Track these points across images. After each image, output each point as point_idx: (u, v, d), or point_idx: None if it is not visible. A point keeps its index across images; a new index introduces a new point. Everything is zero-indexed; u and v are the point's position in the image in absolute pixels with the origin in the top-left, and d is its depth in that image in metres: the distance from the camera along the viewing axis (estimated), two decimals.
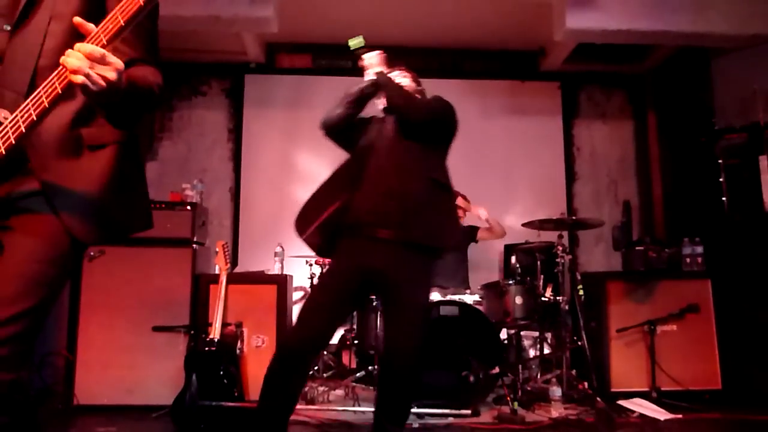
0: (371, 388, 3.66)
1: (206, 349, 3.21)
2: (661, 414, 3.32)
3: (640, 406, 3.44)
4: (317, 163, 5.19)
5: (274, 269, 3.96)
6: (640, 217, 5.28)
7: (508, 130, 5.30)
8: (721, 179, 4.07)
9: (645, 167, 5.36)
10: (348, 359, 4.24)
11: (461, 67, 5.41)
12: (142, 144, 1.57)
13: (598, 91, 5.52)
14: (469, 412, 3.20)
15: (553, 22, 4.35)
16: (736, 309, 3.79)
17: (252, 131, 5.23)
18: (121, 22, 1.15)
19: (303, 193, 5.02)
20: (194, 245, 3.69)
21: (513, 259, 3.87)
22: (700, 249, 3.96)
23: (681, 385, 3.65)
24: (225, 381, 3.13)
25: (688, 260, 3.95)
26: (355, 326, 4.21)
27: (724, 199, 4.05)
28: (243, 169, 5.19)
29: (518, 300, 3.60)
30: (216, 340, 3.23)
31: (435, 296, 3.76)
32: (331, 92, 5.43)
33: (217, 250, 3.54)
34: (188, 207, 3.74)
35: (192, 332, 3.50)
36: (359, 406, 3.33)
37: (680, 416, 3.30)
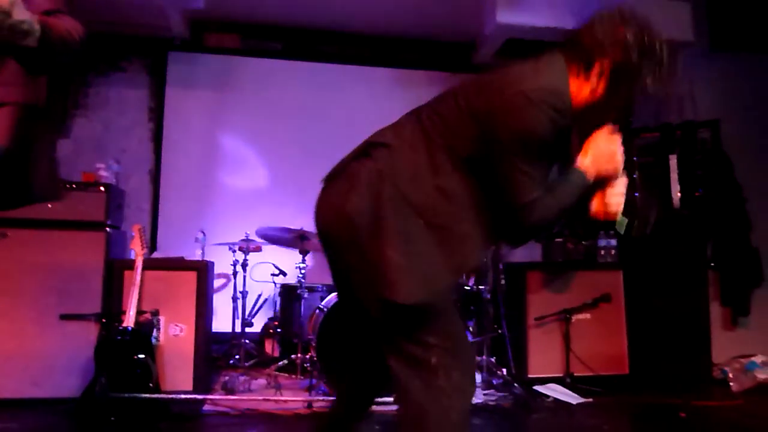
0: (294, 376, 3.61)
1: (119, 338, 3.05)
2: (573, 398, 3.48)
3: (555, 391, 3.58)
4: (244, 148, 5.05)
5: (195, 255, 3.81)
6: None
7: None
8: (635, 176, 4.28)
9: None
10: (271, 348, 4.17)
11: (394, 56, 5.39)
12: (53, 117, 1.48)
13: None
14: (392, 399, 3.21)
15: (484, 16, 4.42)
16: (644, 299, 4.01)
17: (175, 112, 5.00)
18: None
19: (228, 178, 4.97)
20: (108, 229, 3.49)
21: None
22: (614, 242, 4.15)
23: (593, 370, 3.83)
24: (138, 371, 2.99)
25: (602, 252, 4.14)
26: (278, 314, 4.14)
27: (637, 194, 4.26)
28: (164, 151, 4.95)
29: None
30: (130, 328, 3.08)
31: None
32: (259, 75, 5.33)
33: (134, 234, 3.37)
34: (102, 188, 3.53)
35: (104, 320, 3.31)
36: (281, 395, 3.28)
37: (591, 400, 3.47)
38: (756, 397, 3.60)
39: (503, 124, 1.47)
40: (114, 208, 3.60)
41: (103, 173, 3.72)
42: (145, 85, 5.04)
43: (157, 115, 5.01)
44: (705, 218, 4.08)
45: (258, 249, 4.06)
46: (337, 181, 1.67)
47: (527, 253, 5.26)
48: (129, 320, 3.10)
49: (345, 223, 1.53)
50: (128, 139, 4.95)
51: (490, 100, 1.52)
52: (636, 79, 1.54)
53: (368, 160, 1.59)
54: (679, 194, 4.05)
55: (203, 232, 3.91)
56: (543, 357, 3.86)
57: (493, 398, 3.42)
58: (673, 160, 4.12)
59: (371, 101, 5.16)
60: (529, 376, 3.82)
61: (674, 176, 4.10)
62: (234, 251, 4.11)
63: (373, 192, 1.50)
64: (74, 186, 3.48)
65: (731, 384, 3.77)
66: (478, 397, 3.41)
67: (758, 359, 3.83)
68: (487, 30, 4.41)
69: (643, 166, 4.27)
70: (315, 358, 3.39)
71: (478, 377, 3.54)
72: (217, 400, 3.23)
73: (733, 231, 4.19)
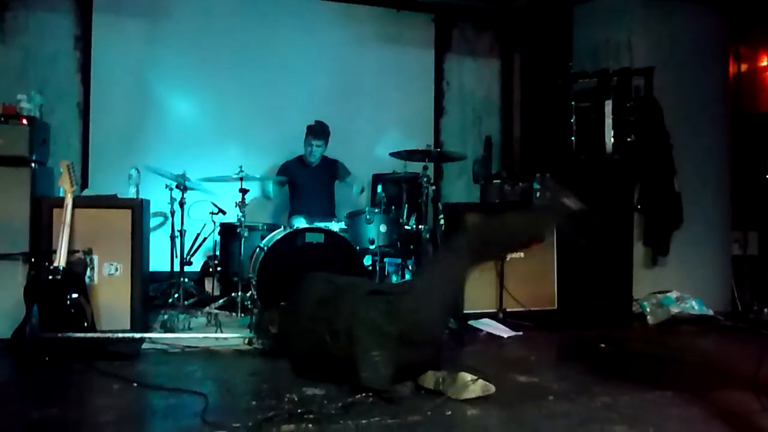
0: (234, 314, 3.63)
1: (50, 277, 2.95)
2: (505, 332, 3.67)
3: (488, 326, 3.76)
4: (179, 80, 4.82)
5: (129, 193, 3.69)
6: (500, 153, 5.60)
7: (381, 59, 5.27)
8: (572, 120, 4.39)
9: (508, 105, 5.64)
10: (211, 286, 4.16)
11: None
12: None
13: (470, 28, 5.63)
14: None
15: None
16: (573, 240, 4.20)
17: (103, 41, 4.69)
18: None
19: (161, 114, 4.77)
20: (33, 164, 3.31)
21: (379, 188, 3.94)
22: None
23: (524, 306, 4.03)
24: (72, 311, 2.92)
25: (537, 194, 4.27)
26: (218, 253, 4.11)
27: (573, 139, 4.39)
28: (93, 83, 4.68)
29: (382, 228, 3.71)
30: (61, 268, 2.98)
31: (301, 223, 3.75)
32: (194, 1, 5.04)
33: (62, 170, 3.20)
34: (24, 121, 3.31)
35: (32, 260, 3.19)
36: (221, 332, 3.29)
37: (521, 333, 3.67)
38: (669, 329, 3.91)
39: None
40: (38, 142, 3.40)
41: (24, 105, 3.47)
42: (69, 11, 4.68)
43: (84, 44, 4.69)
44: (634, 163, 4.26)
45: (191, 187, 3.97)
46: None
47: (467, 194, 5.39)
48: (60, 259, 3.00)
49: None
50: (52, 70, 4.64)
51: None
52: None
53: None
54: (612, 139, 4.20)
55: (137, 169, 3.77)
56: (477, 293, 4.01)
57: None
58: (608, 106, 4.25)
59: (310, 36, 5.02)
60: (464, 311, 3.98)
61: (608, 122, 4.24)
62: (171, 189, 4.00)
63: None
64: None
65: (648, 317, 4.07)
66: None
67: (673, 295, 4.12)
68: None
69: (579, 111, 4.38)
70: (255, 297, 3.41)
71: None
72: (155, 338, 3.21)
73: (659, 176, 4.40)
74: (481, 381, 2.31)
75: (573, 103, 4.40)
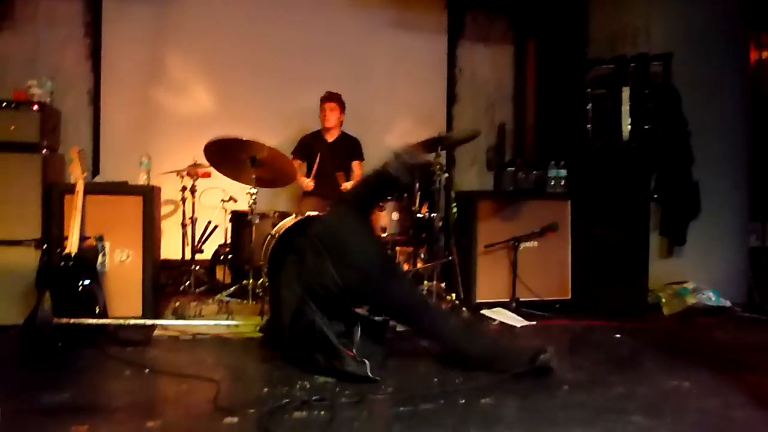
0: (245, 302, 3.61)
1: (61, 264, 2.95)
2: (518, 321, 3.63)
3: (500, 315, 3.73)
4: (190, 65, 4.79)
5: (140, 180, 3.67)
6: (513, 141, 5.53)
7: (393, 46, 5.21)
8: (588, 107, 4.31)
9: (521, 92, 5.56)
10: (222, 274, 4.14)
11: None
12: None
13: (483, 14, 5.54)
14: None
15: None
16: (588, 229, 4.14)
17: (114, 27, 4.66)
18: None
19: (172, 99, 4.74)
20: (44, 150, 3.30)
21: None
22: (563, 172, 4.23)
23: (537, 295, 3.98)
24: (84, 297, 2.92)
25: (552, 182, 4.22)
26: (229, 241, 4.10)
27: (589, 126, 4.31)
28: (104, 69, 4.65)
29: (394, 216, 3.67)
30: (73, 254, 2.98)
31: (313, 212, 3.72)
32: None
33: (72, 157, 3.19)
34: (35, 107, 3.30)
35: (44, 246, 3.19)
36: (233, 320, 3.28)
37: (534, 323, 3.63)
38: (685, 320, 3.85)
39: None
40: (49, 128, 3.40)
41: (35, 91, 3.46)
42: None
43: (93, 30, 4.67)
44: (651, 151, 4.18)
45: (207, 175, 3.95)
46: None
47: (479, 182, 5.34)
48: (72, 246, 2.99)
49: None
50: (62, 57, 4.61)
51: None
52: None
53: None
54: (629, 127, 4.12)
55: (148, 156, 3.76)
56: (491, 282, 3.98)
57: None
58: (625, 93, 4.16)
59: (322, 21, 4.98)
60: (477, 300, 3.95)
61: (625, 109, 4.15)
62: (182, 176, 3.98)
63: None
64: (4, 104, 3.24)
65: (664, 308, 4.01)
66: None
67: (690, 285, 4.05)
68: None
69: (595, 98, 4.30)
70: (267, 284, 3.39)
71: None
72: (167, 325, 3.21)
73: (677, 164, 4.32)
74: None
75: (589, 89, 4.32)
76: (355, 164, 4.48)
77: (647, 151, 4.15)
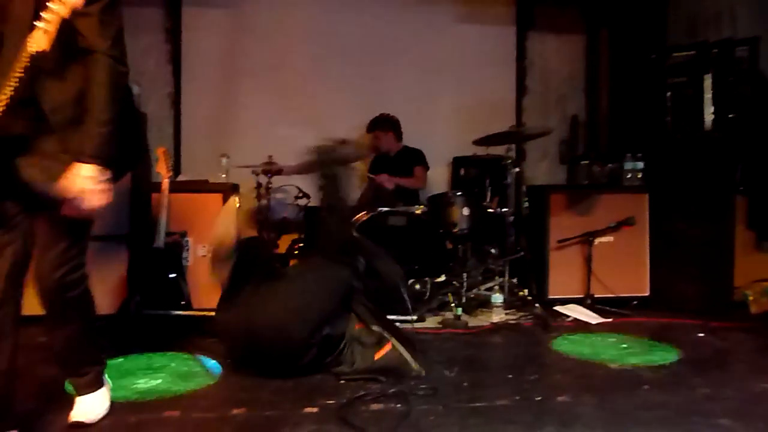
0: None
1: (151, 258, 3.14)
2: (593, 318, 3.55)
3: (574, 311, 3.65)
4: (264, 67, 4.94)
5: (219, 178, 3.84)
6: (586, 133, 5.37)
7: (461, 39, 5.17)
8: (667, 96, 4.13)
9: (594, 83, 5.38)
10: None
11: None
12: None
13: (553, 4, 5.40)
14: (414, 317, 3.31)
15: None
16: (668, 223, 3.98)
17: (192, 32, 4.88)
18: None
19: (249, 100, 4.91)
20: None
21: (461, 171, 3.89)
22: (640, 165, 4.08)
23: (613, 292, 3.87)
24: (171, 290, 3.09)
25: (628, 175, 4.08)
26: (303, 236, 4.19)
27: (668, 116, 4.13)
28: (183, 72, 4.89)
29: (465, 211, 3.66)
30: (161, 248, 3.16)
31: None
32: None
33: (158, 157, 3.38)
34: None
35: (134, 241, 3.40)
36: None
37: (610, 320, 3.54)
38: None
39: None
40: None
41: None
42: (159, 4, 4.90)
43: (173, 36, 4.90)
44: (736, 141, 3.96)
45: (281, 171, 4.08)
46: None
47: (550, 177, 5.22)
48: (159, 241, 3.17)
49: None
50: (145, 62, 4.86)
51: None
52: None
53: None
54: (712, 116, 3.92)
55: (227, 155, 3.92)
56: (564, 278, 3.90)
57: (514, 317, 3.50)
58: (707, 80, 3.96)
59: (390, 19, 5.01)
60: (550, 296, 3.88)
61: (708, 97, 3.95)
62: (258, 174, 4.13)
63: None
64: None
65: (750, 306, 3.80)
66: (499, 316, 3.50)
67: None
68: None
69: (674, 87, 4.12)
70: None
71: (500, 297, 3.61)
72: None
73: (765, 154, 4.07)
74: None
75: (668, 78, 4.14)
76: (417, 169, 4.50)
77: (732, 141, 3.94)
